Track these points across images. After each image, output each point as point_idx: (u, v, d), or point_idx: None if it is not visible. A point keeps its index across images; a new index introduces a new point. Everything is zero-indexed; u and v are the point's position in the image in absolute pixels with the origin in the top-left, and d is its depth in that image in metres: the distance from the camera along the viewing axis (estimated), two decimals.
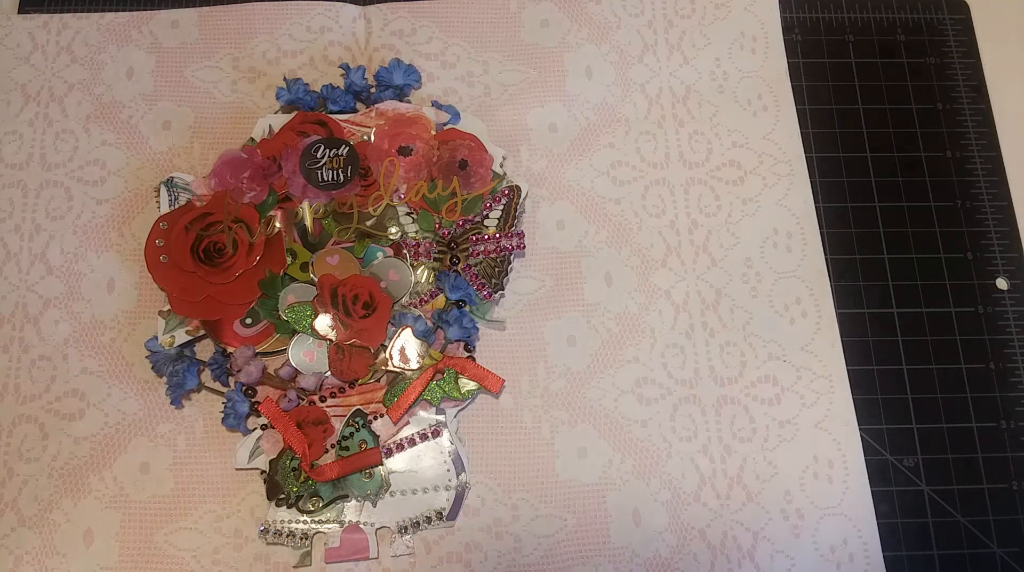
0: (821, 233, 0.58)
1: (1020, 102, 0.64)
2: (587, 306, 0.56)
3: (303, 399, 0.52)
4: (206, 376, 0.53)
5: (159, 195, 0.56)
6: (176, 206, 0.55)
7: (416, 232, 0.56)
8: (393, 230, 0.55)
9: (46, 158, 0.58)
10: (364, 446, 0.51)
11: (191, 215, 0.54)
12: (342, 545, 0.50)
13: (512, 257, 0.56)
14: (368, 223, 0.55)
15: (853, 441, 0.54)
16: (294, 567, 0.50)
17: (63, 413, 0.53)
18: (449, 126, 0.58)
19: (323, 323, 0.52)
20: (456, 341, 0.53)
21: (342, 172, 0.55)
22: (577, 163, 0.59)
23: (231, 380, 0.53)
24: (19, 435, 0.52)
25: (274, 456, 0.51)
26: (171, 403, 0.52)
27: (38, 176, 0.58)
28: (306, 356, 0.52)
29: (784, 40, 0.63)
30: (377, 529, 0.51)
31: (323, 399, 0.52)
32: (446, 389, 0.52)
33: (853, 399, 0.54)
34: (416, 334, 0.53)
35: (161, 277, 0.53)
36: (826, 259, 0.58)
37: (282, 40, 0.61)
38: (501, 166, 0.57)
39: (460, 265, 0.55)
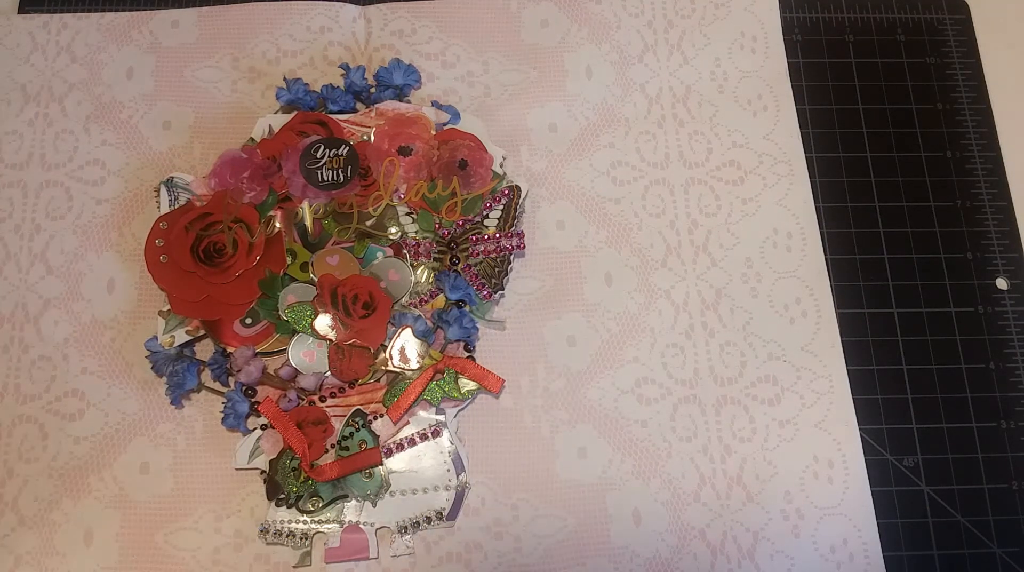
0: (821, 233, 0.58)
1: (1020, 102, 0.64)
2: (587, 306, 0.56)
3: (303, 399, 0.52)
4: (206, 376, 0.53)
5: (159, 195, 0.56)
6: (176, 206, 0.55)
7: (416, 232, 0.56)
8: (393, 230, 0.55)
9: (46, 158, 0.58)
10: (364, 446, 0.51)
11: (191, 215, 0.54)
12: (342, 545, 0.50)
13: (512, 257, 0.56)
14: (368, 223, 0.55)
15: (853, 441, 0.54)
16: (294, 567, 0.50)
17: (63, 413, 0.53)
18: (449, 126, 0.58)
19: (323, 323, 0.52)
20: (456, 341, 0.53)
21: (342, 172, 0.55)
22: (577, 163, 0.59)
23: (231, 380, 0.53)
24: (19, 435, 0.52)
25: (274, 456, 0.51)
26: (171, 403, 0.52)
27: (38, 176, 0.58)
28: (306, 356, 0.52)
29: (784, 40, 0.63)
30: (377, 529, 0.51)
31: (323, 399, 0.52)
32: (446, 389, 0.52)
33: (853, 399, 0.55)
34: (416, 334, 0.53)
35: (161, 277, 0.53)
36: (826, 259, 0.58)
37: (282, 40, 0.61)
38: (501, 166, 0.57)
39: (460, 265, 0.55)
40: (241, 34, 0.61)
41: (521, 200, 0.57)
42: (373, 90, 0.59)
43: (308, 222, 0.55)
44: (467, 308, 0.54)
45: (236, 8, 0.62)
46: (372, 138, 0.57)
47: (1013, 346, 0.57)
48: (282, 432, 0.51)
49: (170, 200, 0.55)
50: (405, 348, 0.53)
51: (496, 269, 0.55)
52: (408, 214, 0.56)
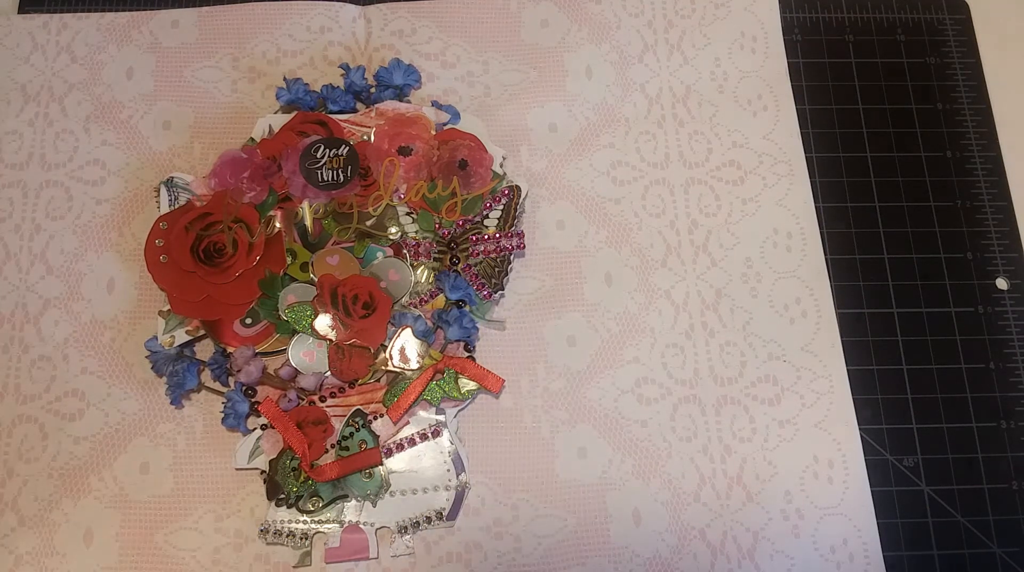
0: (821, 233, 0.58)
1: (1020, 102, 0.64)
2: (587, 306, 0.56)
3: (303, 399, 0.52)
4: (206, 376, 0.53)
5: (159, 195, 0.56)
6: (176, 206, 0.55)
7: (416, 232, 0.56)
8: (393, 230, 0.55)
9: (46, 158, 0.58)
10: (364, 446, 0.51)
11: (191, 215, 0.54)
12: (342, 545, 0.50)
13: (512, 257, 0.56)
14: (368, 223, 0.55)
15: (853, 441, 0.54)
16: (294, 567, 0.50)
17: (63, 413, 0.53)
18: (449, 126, 0.58)
19: (323, 323, 0.52)
20: (456, 341, 0.53)
21: (342, 172, 0.55)
22: (577, 163, 0.59)
23: (231, 380, 0.53)
24: (19, 435, 0.52)
25: (274, 456, 0.51)
26: (171, 403, 0.52)
27: (38, 176, 0.58)
28: (306, 356, 0.52)
29: (784, 40, 0.63)
30: (377, 529, 0.51)
31: (323, 399, 0.52)
32: (446, 389, 0.52)
33: (853, 399, 0.55)
34: (416, 334, 0.53)
35: (161, 277, 0.53)
36: (826, 259, 0.58)
37: (282, 40, 0.61)
38: (501, 166, 0.57)
39: (460, 265, 0.55)
40: (241, 34, 0.61)
41: (521, 200, 0.57)
42: (373, 90, 0.59)
43: (308, 222, 0.55)
44: (467, 308, 0.54)
45: (236, 8, 0.62)
46: (372, 138, 0.57)
47: (1013, 346, 0.57)
48: (282, 432, 0.51)
49: (170, 200, 0.55)
50: (405, 348, 0.53)
51: (496, 269, 0.55)
52: (408, 214, 0.56)
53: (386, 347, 0.53)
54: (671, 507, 0.52)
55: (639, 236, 0.58)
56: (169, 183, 0.56)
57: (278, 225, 0.55)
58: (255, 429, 0.52)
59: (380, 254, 0.55)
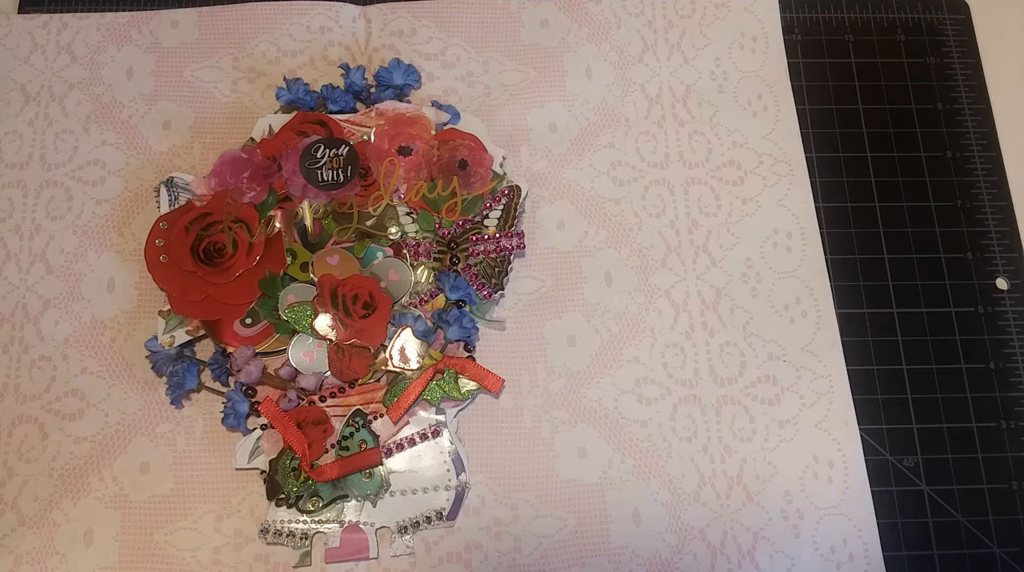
0: (821, 233, 0.58)
1: (1020, 102, 0.64)
2: (587, 306, 0.56)
3: (303, 399, 0.52)
4: (206, 376, 0.53)
5: (159, 195, 0.56)
6: (176, 206, 0.55)
7: (416, 232, 0.56)
8: (393, 230, 0.55)
9: (46, 158, 0.58)
10: (364, 446, 0.51)
11: (191, 215, 0.54)
12: (342, 545, 0.50)
13: (512, 257, 0.56)
14: (368, 223, 0.55)
15: (853, 441, 0.54)
16: (294, 567, 0.50)
17: (63, 413, 0.53)
18: (449, 126, 0.58)
19: (323, 323, 0.52)
20: (456, 341, 0.53)
21: (342, 172, 0.55)
22: (577, 163, 0.59)
23: (231, 380, 0.53)
24: (19, 435, 0.52)
25: (274, 456, 0.51)
26: (171, 403, 0.52)
27: (38, 176, 0.58)
28: (306, 356, 0.52)
29: (784, 40, 0.63)
30: (377, 529, 0.51)
31: (323, 399, 0.52)
32: (446, 389, 0.52)
33: (853, 399, 0.55)
34: (416, 334, 0.53)
35: (161, 277, 0.53)
36: (826, 259, 0.58)
37: (282, 40, 0.61)
38: (501, 166, 0.57)
39: (460, 265, 0.55)
40: (241, 34, 0.61)
41: (521, 200, 0.57)
42: (373, 90, 0.59)
43: (308, 222, 0.55)
44: (467, 308, 0.54)
45: (236, 8, 0.62)
46: (372, 138, 0.57)
47: (1013, 346, 0.57)
48: (282, 432, 0.51)
49: (170, 200, 0.55)
50: (405, 348, 0.53)
51: (496, 269, 0.55)
52: (408, 214, 0.56)
53: (386, 347, 0.53)
54: (671, 507, 0.52)
55: (639, 236, 0.58)
56: (169, 183, 0.56)
57: (278, 225, 0.55)
58: (255, 429, 0.52)
59: (380, 254, 0.55)
